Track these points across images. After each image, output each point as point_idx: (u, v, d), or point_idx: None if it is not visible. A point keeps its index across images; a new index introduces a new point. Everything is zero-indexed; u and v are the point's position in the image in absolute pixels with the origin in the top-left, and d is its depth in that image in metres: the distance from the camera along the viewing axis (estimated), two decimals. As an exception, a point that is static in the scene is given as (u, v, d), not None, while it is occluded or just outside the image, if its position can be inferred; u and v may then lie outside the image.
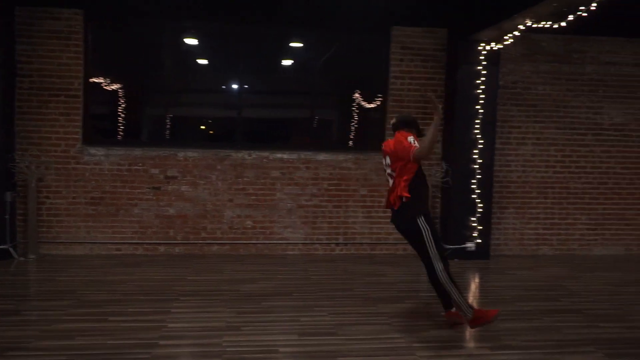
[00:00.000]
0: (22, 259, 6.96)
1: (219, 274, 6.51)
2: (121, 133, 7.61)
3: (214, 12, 7.39)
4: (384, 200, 7.66)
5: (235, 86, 7.93)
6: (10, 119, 6.98)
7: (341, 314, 5.13)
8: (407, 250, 7.73)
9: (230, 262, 7.07)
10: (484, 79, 7.34)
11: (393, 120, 4.92)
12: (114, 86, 7.64)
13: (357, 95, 8.06)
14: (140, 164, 7.33)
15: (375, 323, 4.90)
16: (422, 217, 4.56)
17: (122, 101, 7.59)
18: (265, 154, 7.54)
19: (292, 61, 8.20)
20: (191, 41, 7.82)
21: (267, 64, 8.09)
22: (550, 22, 6.29)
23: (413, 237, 4.66)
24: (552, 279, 6.70)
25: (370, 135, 7.98)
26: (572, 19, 5.96)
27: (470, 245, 7.49)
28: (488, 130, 7.46)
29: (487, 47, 7.27)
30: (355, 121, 8.04)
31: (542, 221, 8.06)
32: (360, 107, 8.05)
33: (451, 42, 7.58)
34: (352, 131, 8.06)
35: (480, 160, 7.42)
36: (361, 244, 7.75)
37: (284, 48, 8.04)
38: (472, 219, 7.46)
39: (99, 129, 7.62)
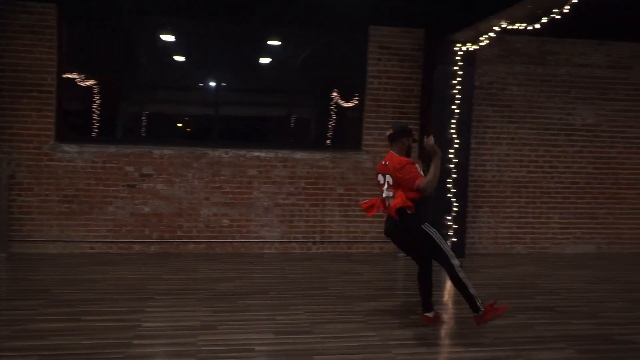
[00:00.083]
0: (-8, 257, 6.83)
1: (195, 272, 6.46)
2: (95, 130, 7.50)
3: (192, 9, 7.33)
4: (362, 199, 7.70)
5: (212, 84, 7.88)
6: (-19, 115, 6.85)
7: (317, 312, 5.14)
8: (384, 248, 7.80)
9: (206, 261, 7.03)
10: (460, 79, 7.42)
11: (389, 132, 4.89)
12: (89, 82, 7.52)
13: (334, 94, 8.07)
14: (114, 162, 7.24)
15: (351, 321, 4.92)
16: (427, 224, 4.71)
17: (97, 97, 7.48)
18: (243, 152, 7.51)
19: (270, 59, 8.18)
20: (168, 37, 7.75)
21: (245, 61, 8.06)
22: (525, 24, 6.38)
23: (417, 244, 4.76)
24: (525, 276, 6.81)
25: (347, 134, 8.01)
26: (546, 21, 6.06)
27: (445, 243, 7.56)
28: (464, 130, 7.55)
29: (464, 48, 7.35)
30: (333, 120, 8.06)
31: (516, 220, 8.19)
32: (337, 106, 8.07)
33: (428, 43, 7.65)
34: (329, 130, 8.08)
35: (456, 160, 7.50)
36: (338, 242, 7.77)
37: (262, 46, 8.02)
38: (448, 217, 7.53)
39: (72, 125, 7.51)
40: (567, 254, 8.22)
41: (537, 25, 6.25)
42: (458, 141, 7.49)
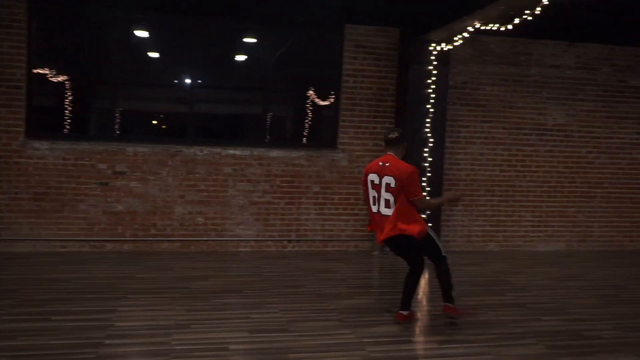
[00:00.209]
0: (-41, 256, 6.66)
1: (169, 271, 6.40)
2: (67, 126, 7.36)
3: (166, 3, 7.25)
4: (337, 197, 7.71)
5: (187, 80, 7.80)
6: (-53, 110, 6.67)
7: (292, 310, 5.14)
8: (359, 247, 7.84)
9: (180, 259, 6.97)
10: (434, 78, 7.49)
11: (395, 134, 4.83)
12: (60, 77, 7.38)
13: (310, 92, 8.07)
14: (87, 159, 7.12)
15: (326, 319, 4.94)
16: (427, 226, 4.85)
17: (69, 93, 7.34)
18: (218, 150, 7.46)
19: (246, 57, 8.13)
20: (142, 33, 7.64)
21: (220, 58, 8.00)
22: (498, 25, 6.48)
23: (419, 248, 4.82)
24: (497, 274, 6.92)
25: (323, 133, 8.02)
26: (518, 22, 6.16)
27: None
28: (438, 129, 7.62)
29: (438, 48, 7.41)
30: (309, 118, 8.06)
31: (489, 218, 8.30)
32: (313, 104, 8.07)
33: (403, 42, 7.70)
34: (305, 128, 8.07)
35: (431, 159, 7.56)
36: (313, 240, 7.78)
37: (238, 43, 7.97)
38: (423, 216, 7.58)
39: (43, 121, 7.35)
40: (538, 252, 8.37)
41: (510, 26, 6.35)
42: (432, 140, 7.56)
